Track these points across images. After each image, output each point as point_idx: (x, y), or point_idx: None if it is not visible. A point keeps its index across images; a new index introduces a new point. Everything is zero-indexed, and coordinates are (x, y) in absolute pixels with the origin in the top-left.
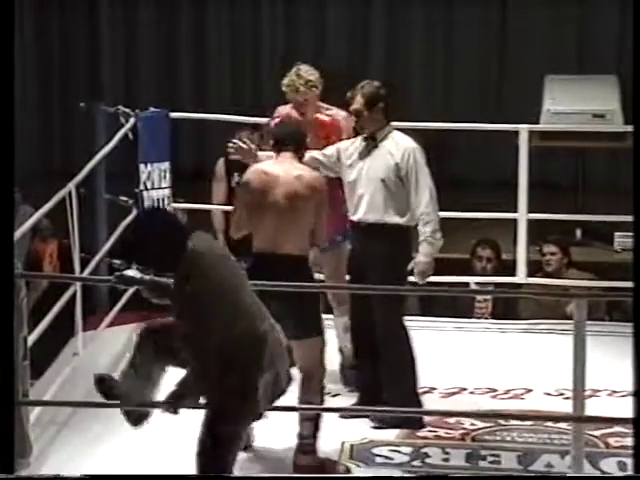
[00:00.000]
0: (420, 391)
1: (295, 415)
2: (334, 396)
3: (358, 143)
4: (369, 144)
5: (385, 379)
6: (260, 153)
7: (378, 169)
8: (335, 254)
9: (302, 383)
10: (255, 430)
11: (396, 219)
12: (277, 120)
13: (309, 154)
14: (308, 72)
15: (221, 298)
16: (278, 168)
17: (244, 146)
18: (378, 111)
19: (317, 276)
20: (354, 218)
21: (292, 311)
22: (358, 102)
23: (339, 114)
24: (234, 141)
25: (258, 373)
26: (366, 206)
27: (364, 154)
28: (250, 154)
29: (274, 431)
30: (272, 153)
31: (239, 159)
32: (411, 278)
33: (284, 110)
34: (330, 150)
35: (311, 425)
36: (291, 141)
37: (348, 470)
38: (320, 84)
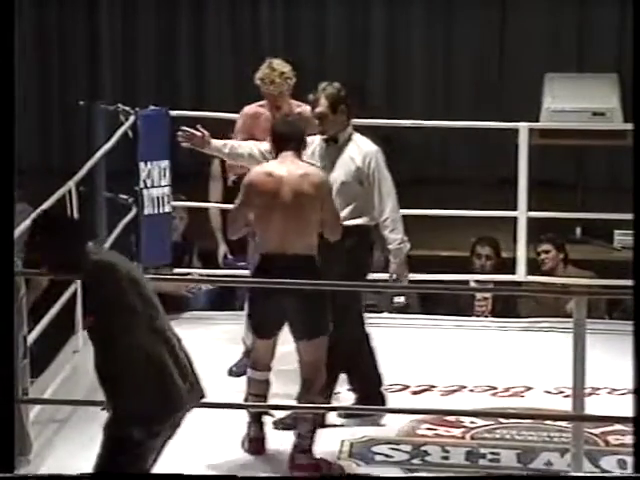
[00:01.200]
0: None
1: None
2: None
3: (317, 144)
4: (330, 146)
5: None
6: (214, 141)
7: (339, 172)
8: None
9: (302, 388)
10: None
11: (356, 221)
12: (244, 115)
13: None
14: (281, 65)
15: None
16: (281, 168)
17: (197, 133)
18: (341, 113)
19: None
20: None
21: (302, 311)
22: (322, 105)
23: (308, 111)
24: (184, 128)
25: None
26: None
27: (325, 156)
28: (202, 141)
29: (271, 430)
30: (228, 142)
31: (191, 147)
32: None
33: (250, 110)
34: None
35: (308, 424)
36: (291, 140)
37: (343, 471)
38: (294, 76)
